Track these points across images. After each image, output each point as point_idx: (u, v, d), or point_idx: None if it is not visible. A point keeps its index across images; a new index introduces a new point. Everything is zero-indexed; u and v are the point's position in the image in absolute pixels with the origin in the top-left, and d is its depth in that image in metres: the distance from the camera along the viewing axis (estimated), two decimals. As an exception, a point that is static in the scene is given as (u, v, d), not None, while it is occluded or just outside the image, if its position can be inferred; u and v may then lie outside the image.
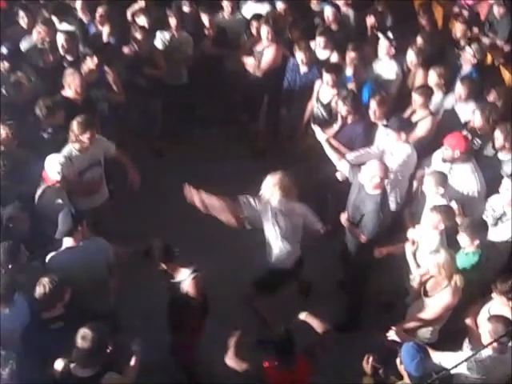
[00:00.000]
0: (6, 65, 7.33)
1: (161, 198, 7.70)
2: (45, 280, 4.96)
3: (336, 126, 7.19)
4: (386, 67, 7.85)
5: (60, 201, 5.97)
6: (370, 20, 8.48)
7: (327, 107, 7.53)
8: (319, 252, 6.94)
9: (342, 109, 7.08)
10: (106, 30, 8.27)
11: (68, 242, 5.50)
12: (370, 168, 6.15)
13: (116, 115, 7.80)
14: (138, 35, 8.06)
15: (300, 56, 7.84)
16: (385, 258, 6.26)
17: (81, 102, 7.14)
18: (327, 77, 7.44)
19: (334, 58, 7.99)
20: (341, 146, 7.00)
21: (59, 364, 4.70)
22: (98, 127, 6.75)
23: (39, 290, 4.95)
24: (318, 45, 8.04)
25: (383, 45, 7.84)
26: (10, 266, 5.22)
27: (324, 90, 7.61)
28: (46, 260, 5.45)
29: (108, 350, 4.70)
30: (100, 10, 8.33)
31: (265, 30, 8.16)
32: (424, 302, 5.66)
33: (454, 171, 6.45)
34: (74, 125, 6.36)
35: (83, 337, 4.57)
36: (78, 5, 8.60)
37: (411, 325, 5.65)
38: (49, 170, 5.99)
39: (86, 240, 5.56)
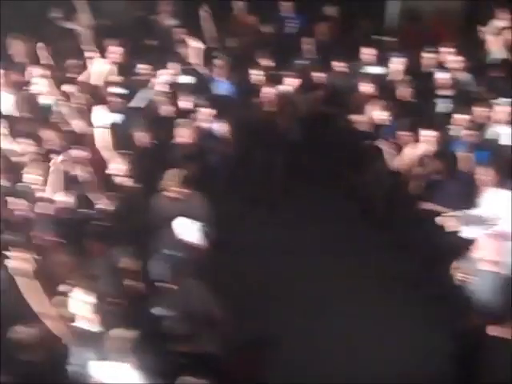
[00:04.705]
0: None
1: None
2: None
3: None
4: (502, 132, 7.60)
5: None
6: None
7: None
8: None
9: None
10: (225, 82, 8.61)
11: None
12: (486, 245, 5.74)
13: (226, 166, 7.89)
14: (266, 87, 8.31)
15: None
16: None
17: (191, 151, 7.28)
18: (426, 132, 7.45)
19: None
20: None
21: None
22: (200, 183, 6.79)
23: None
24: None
25: (502, 110, 7.65)
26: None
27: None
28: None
29: None
30: (218, 63, 8.62)
31: (368, 87, 8.39)
32: None
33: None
34: (167, 174, 6.47)
35: None
36: (194, 58, 8.88)
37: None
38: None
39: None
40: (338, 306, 6.91)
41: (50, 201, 6.22)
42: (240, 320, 5.78)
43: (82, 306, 4.76)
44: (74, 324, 4.81)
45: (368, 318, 6.77)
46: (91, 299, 4.75)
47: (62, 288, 5.01)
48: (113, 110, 7.77)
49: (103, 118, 7.44)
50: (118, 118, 7.76)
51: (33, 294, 4.82)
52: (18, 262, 4.95)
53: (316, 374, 6.07)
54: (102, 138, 7.05)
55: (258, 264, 7.32)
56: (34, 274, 4.90)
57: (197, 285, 5.57)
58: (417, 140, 7.60)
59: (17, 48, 8.80)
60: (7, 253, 5.08)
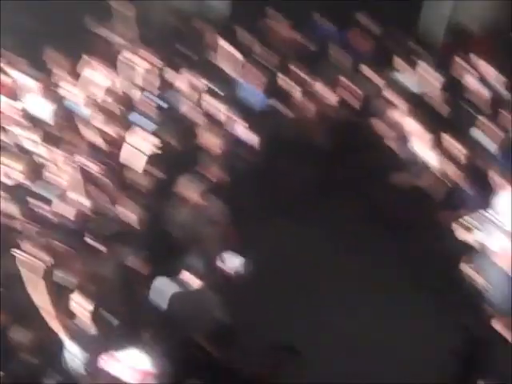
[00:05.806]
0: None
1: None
2: None
3: None
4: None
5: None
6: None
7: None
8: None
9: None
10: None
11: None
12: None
13: (251, 174, 7.93)
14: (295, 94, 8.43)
15: None
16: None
17: (215, 157, 7.37)
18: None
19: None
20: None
21: None
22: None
23: None
24: None
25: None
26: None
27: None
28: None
29: None
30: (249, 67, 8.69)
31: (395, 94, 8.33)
32: None
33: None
34: (186, 180, 6.59)
35: None
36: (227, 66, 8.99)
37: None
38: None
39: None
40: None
41: (70, 202, 6.38)
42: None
43: (81, 310, 4.87)
44: (73, 321, 4.91)
45: (374, 316, 6.99)
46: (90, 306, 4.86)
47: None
48: (143, 115, 7.92)
49: (134, 123, 7.59)
50: (146, 122, 7.89)
51: (36, 291, 4.85)
52: (31, 257, 4.94)
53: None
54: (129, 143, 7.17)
55: (278, 276, 7.31)
56: (43, 273, 4.91)
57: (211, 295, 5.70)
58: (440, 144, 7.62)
59: (53, 58, 8.99)
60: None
